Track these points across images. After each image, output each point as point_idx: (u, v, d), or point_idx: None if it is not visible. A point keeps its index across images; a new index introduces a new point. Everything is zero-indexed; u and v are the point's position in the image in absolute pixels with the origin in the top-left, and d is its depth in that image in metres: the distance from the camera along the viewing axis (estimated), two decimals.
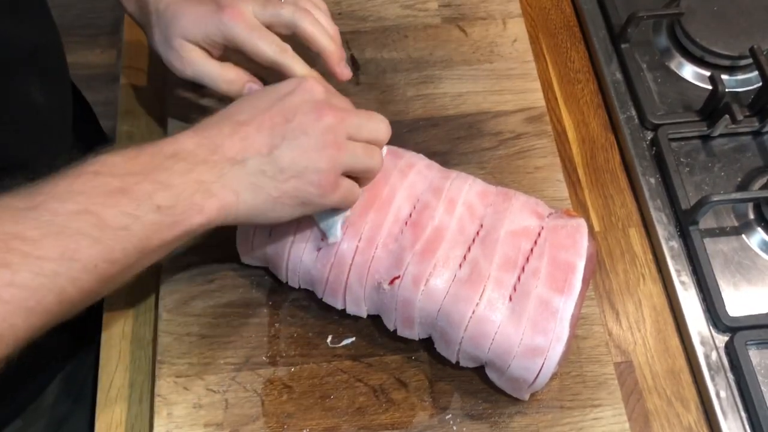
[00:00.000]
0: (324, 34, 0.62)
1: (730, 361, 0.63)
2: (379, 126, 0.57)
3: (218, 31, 0.59)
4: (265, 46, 0.60)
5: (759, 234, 0.70)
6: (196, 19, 0.59)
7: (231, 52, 0.62)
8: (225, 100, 0.74)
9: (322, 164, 0.52)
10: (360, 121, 0.55)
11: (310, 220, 0.58)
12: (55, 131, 0.69)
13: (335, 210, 0.56)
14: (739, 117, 0.71)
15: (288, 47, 0.61)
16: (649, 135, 0.75)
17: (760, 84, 0.73)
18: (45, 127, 0.67)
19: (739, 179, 0.73)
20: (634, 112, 0.76)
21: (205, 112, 0.73)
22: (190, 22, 0.60)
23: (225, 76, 0.62)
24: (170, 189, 0.48)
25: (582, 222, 0.58)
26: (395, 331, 0.60)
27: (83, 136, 0.77)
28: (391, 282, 0.56)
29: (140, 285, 0.69)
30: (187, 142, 0.50)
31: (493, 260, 0.55)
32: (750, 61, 0.76)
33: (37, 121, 0.65)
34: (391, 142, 0.66)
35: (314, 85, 0.54)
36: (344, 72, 0.64)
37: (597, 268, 0.68)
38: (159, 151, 0.49)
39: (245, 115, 0.52)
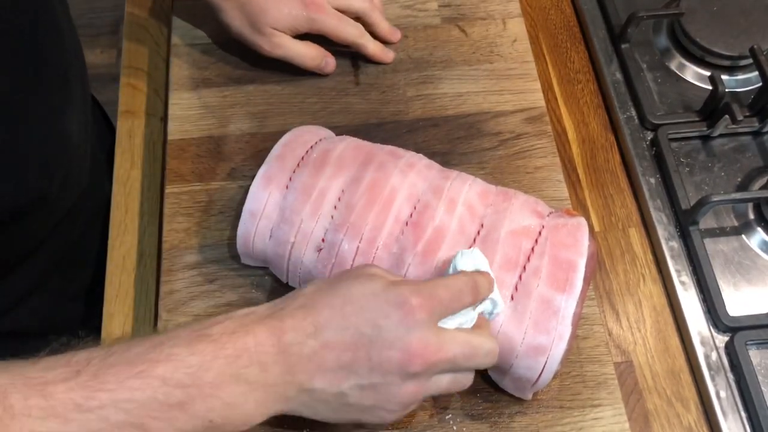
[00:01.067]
0: (383, 19, 0.77)
1: (730, 361, 0.63)
2: (482, 361, 0.51)
3: (306, 23, 0.71)
4: (348, 31, 0.73)
5: (759, 234, 0.70)
6: (285, 13, 0.70)
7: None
8: (225, 101, 0.74)
9: (393, 407, 0.48)
10: (457, 356, 0.49)
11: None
12: (81, 157, 0.70)
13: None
14: (739, 117, 0.71)
15: (363, 30, 0.75)
16: (649, 135, 0.75)
17: (760, 84, 0.73)
18: (72, 157, 0.68)
19: (739, 179, 0.73)
20: (634, 112, 0.76)
21: (204, 111, 0.74)
22: (279, 15, 0.70)
23: (309, 53, 0.73)
24: (231, 408, 0.45)
25: (582, 220, 0.58)
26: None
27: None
28: None
29: (140, 285, 0.69)
30: (266, 347, 0.46)
31: (494, 260, 0.55)
32: (750, 61, 0.76)
33: (68, 151, 0.67)
34: (391, 142, 0.66)
35: (416, 309, 0.48)
36: (389, 55, 0.77)
37: (597, 268, 0.68)
38: (233, 358, 0.45)
39: (331, 333, 0.47)
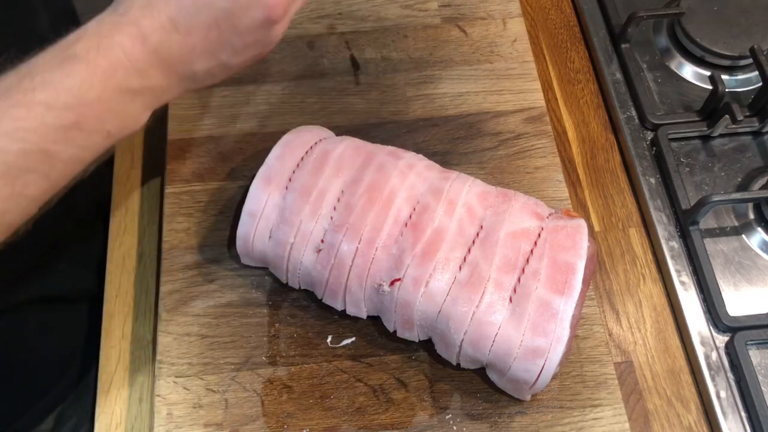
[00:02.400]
0: None
1: (730, 361, 0.63)
2: None
3: None
4: None
5: (759, 234, 0.70)
6: None
7: None
8: (225, 101, 0.74)
9: (272, 47, 0.52)
10: None
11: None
12: None
13: None
14: (739, 117, 0.71)
15: None
16: (649, 135, 0.75)
17: (760, 84, 0.73)
18: None
19: (739, 179, 0.73)
20: (634, 112, 0.76)
21: (204, 111, 0.74)
22: None
23: None
24: (123, 116, 0.48)
25: (582, 222, 0.58)
26: (395, 332, 0.60)
27: None
28: (392, 284, 0.56)
29: (140, 285, 0.69)
30: (137, 54, 0.47)
31: (493, 262, 0.55)
32: (750, 61, 0.76)
33: None
34: (391, 142, 0.66)
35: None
36: None
37: (597, 268, 0.68)
38: (111, 72, 0.46)
39: (189, 19, 0.48)
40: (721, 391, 0.62)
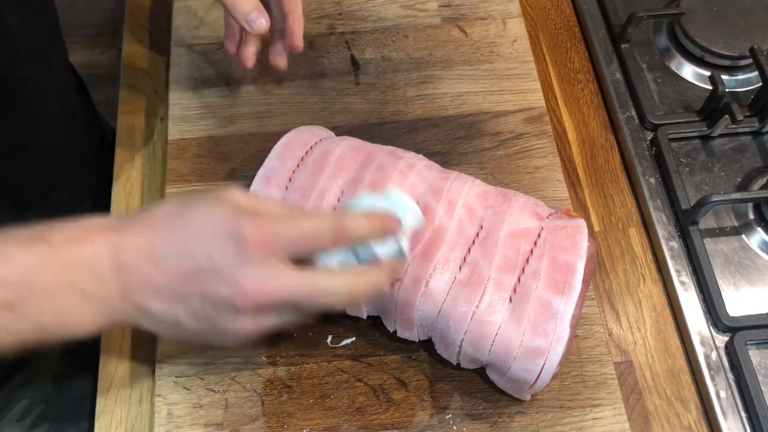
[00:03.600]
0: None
1: (730, 361, 0.63)
2: (330, 300, 0.48)
3: None
4: None
5: (759, 234, 0.70)
6: None
7: None
8: (225, 101, 0.74)
9: (229, 337, 0.48)
10: (294, 296, 0.47)
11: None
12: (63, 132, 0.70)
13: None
14: (739, 117, 0.71)
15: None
16: (649, 135, 0.75)
17: (760, 84, 0.73)
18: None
19: (739, 179, 0.73)
20: (634, 112, 0.76)
21: (204, 111, 0.74)
22: None
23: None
24: (64, 315, 0.44)
25: (582, 222, 0.58)
26: (395, 332, 0.60)
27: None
28: (392, 284, 0.56)
29: None
30: (103, 260, 0.45)
31: (493, 262, 0.55)
32: (750, 61, 0.76)
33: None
34: (391, 142, 0.66)
35: (252, 245, 0.45)
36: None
37: (597, 268, 0.68)
38: (70, 266, 0.44)
39: (166, 257, 0.46)
40: (720, 391, 0.62)
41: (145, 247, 0.46)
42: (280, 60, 0.70)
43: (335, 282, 0.48)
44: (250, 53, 0.68)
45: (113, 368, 0.64)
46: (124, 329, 0.66)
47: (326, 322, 0.63)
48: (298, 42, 0.68)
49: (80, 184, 0.76)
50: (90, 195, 0.76)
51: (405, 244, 0.51)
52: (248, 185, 0.61)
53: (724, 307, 0.64)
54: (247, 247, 0.45)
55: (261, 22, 0.63)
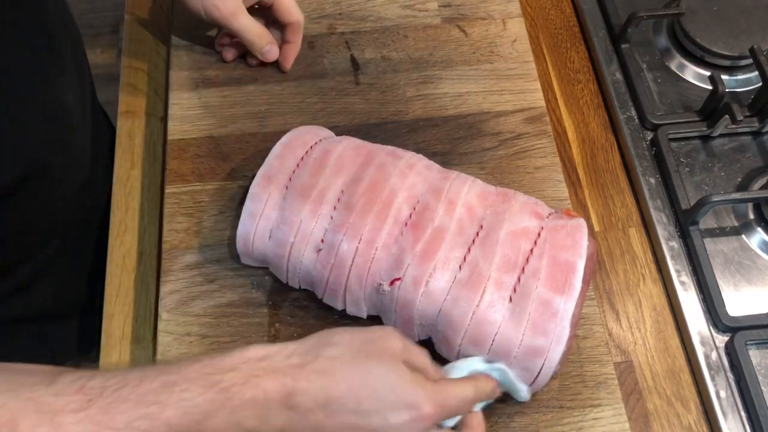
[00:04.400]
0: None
1: (730, 361, 0.63)
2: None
3: None
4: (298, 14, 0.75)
5: (759, 234, 0.70)
6: None
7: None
8: (225, 101, 0.74)
9: None
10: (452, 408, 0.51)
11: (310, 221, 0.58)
12: (80, 130, 0.70)
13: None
14: (739, 117, 0.71)
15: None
16: (649, 135, 0.75)
17: (760, 84, 0.73)
18: (71, 128, 0.68)
19: (739, 179, 0.73)
20: (634, 112, 0.76)
21: (204, 111, 0.74)
22: None
23: (258, 32, 0.73)
24: None
25: (582, 222, 0.58)
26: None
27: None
28: (392, 283, 0.56)
29: (140, 285, 0.69)
30: (274, 403, 0.46)
31: (493, 261, 0.55)
32: (750, 61, 0.76)
33: (65, 122, 0.67)
34: (391, 142, 0.66)
35: (426, 417, 0.49)
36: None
37: (597, 268, 0.68)
38: (239, 408, 0.45)
39: (340, 409, 0.47)
40: (720, 391, 0.62)
41: (321, 396, 0.47)
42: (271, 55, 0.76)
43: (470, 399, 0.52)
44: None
45: (113, 368, 0.64)
46: (124, 329, 0.66)
47: (326, 322, 0.63)
48: (288, 66, 0.76)
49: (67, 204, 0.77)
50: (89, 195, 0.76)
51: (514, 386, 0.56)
52: (248, 185, 0.62)
53: (724, 307, 0.64)
54: (423, 418, 0.48)
55: (274, 53, 0.75)
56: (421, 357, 0.52)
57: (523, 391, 0.56)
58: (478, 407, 0.54)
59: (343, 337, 0.50)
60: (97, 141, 0.76)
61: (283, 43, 0.76)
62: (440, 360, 0.60)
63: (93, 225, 0.78)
